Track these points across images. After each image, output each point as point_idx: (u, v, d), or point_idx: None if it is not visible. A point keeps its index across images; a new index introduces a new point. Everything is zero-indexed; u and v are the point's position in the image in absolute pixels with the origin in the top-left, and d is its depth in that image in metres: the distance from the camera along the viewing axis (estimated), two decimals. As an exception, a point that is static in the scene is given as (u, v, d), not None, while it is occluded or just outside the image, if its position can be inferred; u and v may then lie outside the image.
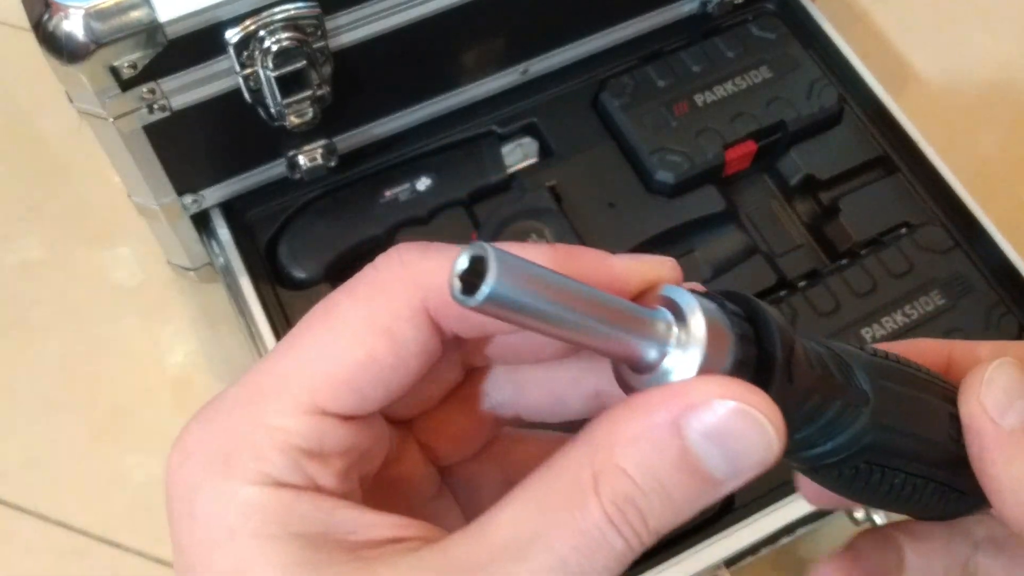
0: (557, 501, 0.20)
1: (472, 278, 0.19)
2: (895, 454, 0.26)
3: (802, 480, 0.29)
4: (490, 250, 0.19)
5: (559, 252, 0.22)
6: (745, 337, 0.22)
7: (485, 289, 0.19)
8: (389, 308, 0.22)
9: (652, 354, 0.21)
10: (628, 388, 0.23)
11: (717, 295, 0.23)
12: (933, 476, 0.27)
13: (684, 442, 0.20)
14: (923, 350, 0.30)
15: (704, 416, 0.20)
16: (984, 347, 0.30)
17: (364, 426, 0.23)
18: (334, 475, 0.22)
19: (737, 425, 0.20)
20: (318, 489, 0.21)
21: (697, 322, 0.21)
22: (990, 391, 0.27)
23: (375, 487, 0.25)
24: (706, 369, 0.21)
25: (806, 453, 0.25)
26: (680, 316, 0.22)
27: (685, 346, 0.21)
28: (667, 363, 0.21)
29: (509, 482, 0.22)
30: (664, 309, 0.22)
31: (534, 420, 0.27)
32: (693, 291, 0.22)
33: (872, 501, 0.27)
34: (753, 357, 0.22)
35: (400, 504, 0.26)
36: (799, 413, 0.24)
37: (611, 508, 0.19)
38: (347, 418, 0.22)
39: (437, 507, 0.28)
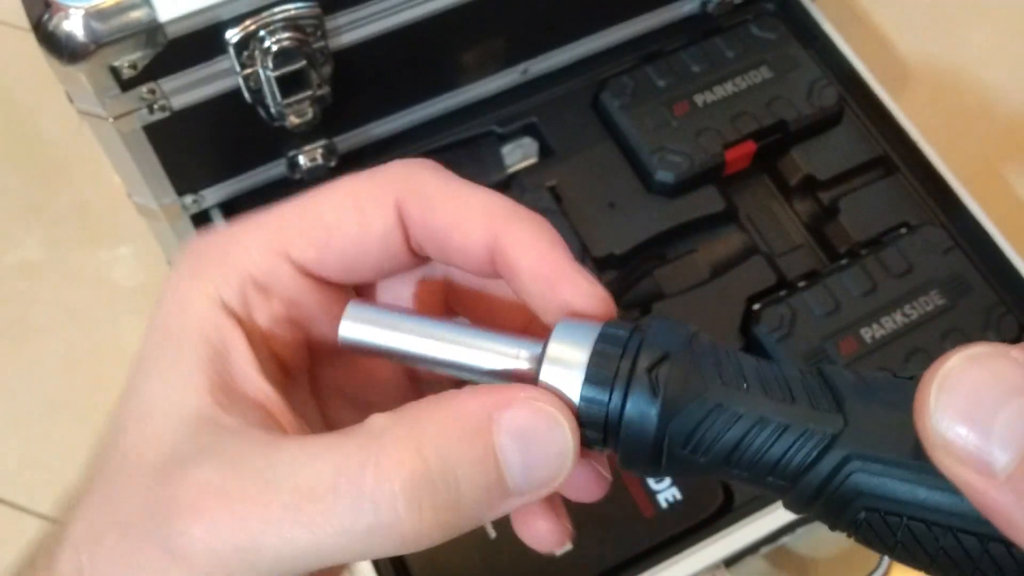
0: (354, 460, 0.21)
1: None
2: (890, 497, 0.20)
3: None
4: (348, 307, 0.25)
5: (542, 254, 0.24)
6: (597, 379, 0.22)
7: (340, 333, 0.25)
8: (367, 191, 0.25)
9: (523, 371, 0.24)
10: None
11: (616, 329, 0.23)
12: (952, 523, 0.20)
13: (491, 438, 0.21)
14: None
15: (516, 413, 0.21)
16: None
17: (317, 290, 0.25)
18: (269, 315, 0.25)
19: (542, 430, 0.21)
20: (250, 320, 0.24)
21: (548, 351, 0.23)
22: (962, 430, 0.18)
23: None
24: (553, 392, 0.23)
25: (770, 483, 0.22)
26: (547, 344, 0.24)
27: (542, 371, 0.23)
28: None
29: None
30: (532, 342, 0.24)
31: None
32: (611, 323, 0.23)
33: (895, 557, 0.21)
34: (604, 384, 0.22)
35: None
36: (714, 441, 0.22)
37: (400, 485, 0.20)
38: (304, 272, 0.25)
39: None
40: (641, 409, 0.22)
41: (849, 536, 0.22)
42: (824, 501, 0.21)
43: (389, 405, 0.27)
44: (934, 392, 0.18)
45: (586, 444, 0.23)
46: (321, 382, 0.27)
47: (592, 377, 0.22)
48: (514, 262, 0.24)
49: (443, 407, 0.22)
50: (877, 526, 0.21)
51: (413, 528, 0.21)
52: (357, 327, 0.25)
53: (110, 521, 0.22)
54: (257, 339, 0.24)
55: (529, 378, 0.23)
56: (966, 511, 0.19)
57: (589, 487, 0.25)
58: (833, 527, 0.22)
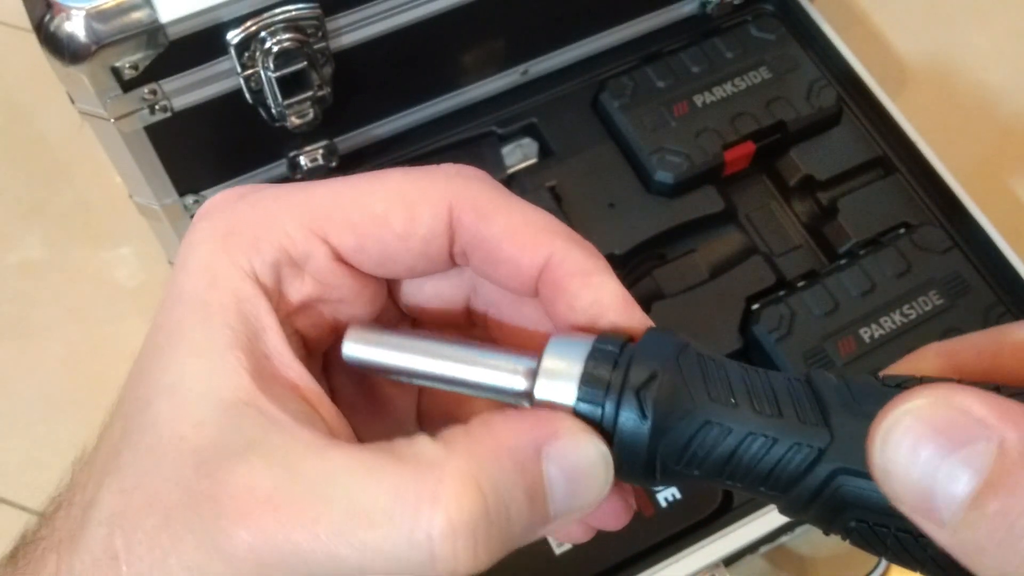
0: (410, 489, 0.20)
1: None
2: (877, 509, 0.21)
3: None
4: (349, 329, 0.26)
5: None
6: (591, 391, 0.23)
7: (344, 352, 0.26)
8: (421, 190, 0.24)
9: (518, 389, 0.24)
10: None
11: (607, 344, 0.24)
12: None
13: (540, 469, 0.21)
14: (962, 352, 0.23)
15: (563, 444, 0.21)
16: None
17: (348, 275, 0.25)
18: (300, 293, 0.25)
19: (587, 460, 0.22)
20: (280, 296, 0.24)
21: (542, 367, 0.24)
22: (906, 484, 0.18)
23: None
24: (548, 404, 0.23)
25: (768, 495, 0.23)
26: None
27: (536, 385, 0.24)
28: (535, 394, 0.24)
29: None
30: (527, 358, 0.24)
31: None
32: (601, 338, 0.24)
33: (888, 560, 0.22)
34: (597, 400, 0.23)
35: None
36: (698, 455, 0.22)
37: (460, 521, 0.20)
38: (337, 257, 0.25)
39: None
40: (632, 428, 0.22)
41: (843, 540, 0.22)
42: (816, 509, 0.22)
43: (395, 385, 0.27)
44: (878, 448, 0.19)
45: None
46: (331, 357, 0.28)
47: (584, 395, 0.23)
48: (565, 284, 0.24)
49: (493, 437, 0.21)
50: (867, 535, 0.21)
51: (467, 564, 0.20)
52: (360, 347, 0.26)
53: (147, 505, 0.21)
54: (283, 316, 0.24)
55: (525, 394, 0.24)
56: None
57: (616, 516, 0.26)
58: (827, 532, 0.23)
